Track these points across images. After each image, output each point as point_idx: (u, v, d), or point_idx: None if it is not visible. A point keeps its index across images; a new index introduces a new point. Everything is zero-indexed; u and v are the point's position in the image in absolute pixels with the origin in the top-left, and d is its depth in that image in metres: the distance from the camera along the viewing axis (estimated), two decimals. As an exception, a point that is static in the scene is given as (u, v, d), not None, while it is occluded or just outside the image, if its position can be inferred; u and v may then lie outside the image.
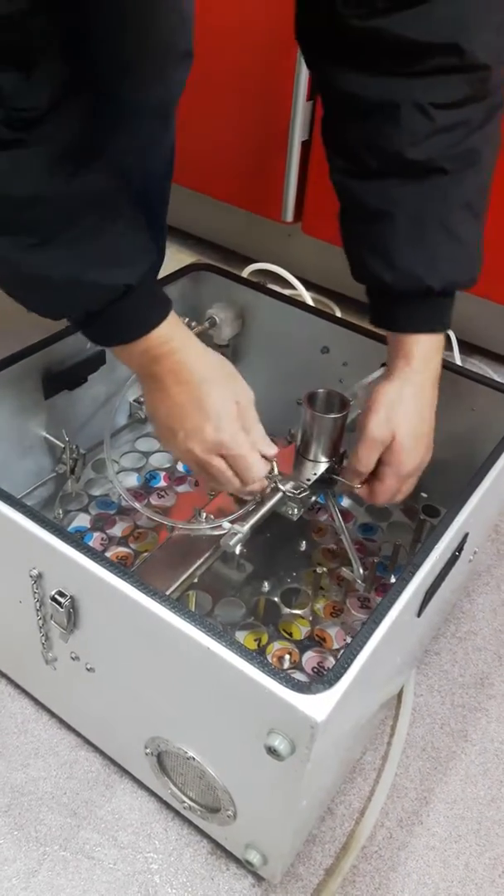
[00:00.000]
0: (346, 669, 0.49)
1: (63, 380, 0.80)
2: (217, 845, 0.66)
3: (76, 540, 0.56)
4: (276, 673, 0.48)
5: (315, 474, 0.76)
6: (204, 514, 0.75)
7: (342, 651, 0.52)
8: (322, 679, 0.49)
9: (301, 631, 0.78)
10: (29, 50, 0.53)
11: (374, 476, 0.71)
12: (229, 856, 0.65)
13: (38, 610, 0.61)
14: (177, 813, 0.67)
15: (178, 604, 0.52)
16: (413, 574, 0.57)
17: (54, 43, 0.54)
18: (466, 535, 0.67)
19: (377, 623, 0.53)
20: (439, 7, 0.57)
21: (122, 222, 0.59)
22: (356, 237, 0.68)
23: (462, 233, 0.64)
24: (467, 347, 1.27)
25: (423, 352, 0.68)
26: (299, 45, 0.68)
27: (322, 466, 0.77)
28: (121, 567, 0.54)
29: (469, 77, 0.59)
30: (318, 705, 0.47)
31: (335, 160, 0.67)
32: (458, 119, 0.61)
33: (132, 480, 0.93)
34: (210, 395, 0.64)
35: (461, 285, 0.66)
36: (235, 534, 0.70)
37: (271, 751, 0.49)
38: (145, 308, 0.62)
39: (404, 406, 0.68)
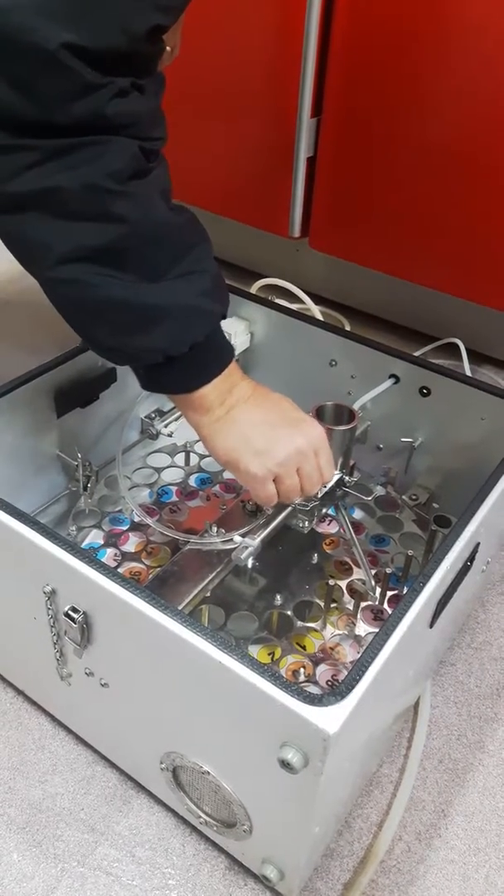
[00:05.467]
0: (357, 681, 0.50)
1: (75, 398, 0.81)
2: (234, 861, 0.66)
3: (88, 556, 0.57)
4: (288, 686, 0.49)
5: (325, 487, 0.76)
6: (215, 529, 0.75)
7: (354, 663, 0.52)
8: (334, 691, 0.49)
9: (314, 644, 0.78)
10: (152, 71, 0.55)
11: None
12: (247, 871, 0.65)
13: (52, 626, 0.62)
14: (194, 828, 0.67)
15: (190, 618, 0.53)
16: (423, 585, 0.57)
17: None
18: (478, 544, 0.67)
19: (388, 634, 0.53)
20: None
21: (211, 253, 0.61)
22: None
23: None
24: (477, 357, 1.27)
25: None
26: None
27: (332, 479, 0.77)
28: (133, 582, 0.55)
29: None
30: (330, 718, 0.47)
31: None
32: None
33: (144, 496, 0.94)
34: (287, 399, 0.68)
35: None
36: (247, 547, 0.71)
37: (284, 764, 0.49)
38: (224, 335, 0.64)
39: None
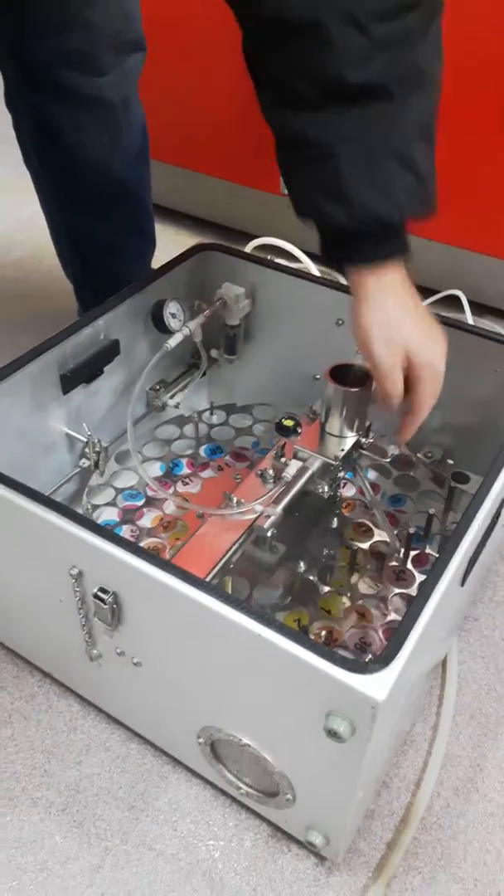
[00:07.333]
0: (401, 646, 0.49)
1: (79, 373, 0.79)
2: (276, 828, 0.66)
3: (114, 535, 0.55)
4: (331, 655, 0.48)
5: (343, 450, 0.75)
6: (234, 499, 0.74)
7: (395, 628, 0.51)
8: (378, 658, 0.48)
9: (340, 608, 0.77)
10: None
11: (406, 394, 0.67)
12: (289, 837, 0.65)
13: (79, 608, 0.61)
14: (233, 799, 0.67)
15: (223, 591, 0.52)
16: (457, 545, 0.56)
17: None
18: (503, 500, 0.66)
19: (427, 597, 0.52)
20: None
21: None
22: (300, 175, 0.61)
23: (418, 162, 0.58)
24: (478, 308, 1.25)
25: (393, 277, 0.63)
26: None
27: (349, 441, 0.76)
28: (164, 560, 0.54)
29: None
30: (377, 685, 0.46)
31: (265, 93, 0.60)
32: (397, 31, 0.54)
33: (156, 469, 0.92)
34: None
35: (421, 217, 0.61)
36: (269, 516, 0.70)
37: (332, 733, 0.48)
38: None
39: (398, 317, 0.63)
